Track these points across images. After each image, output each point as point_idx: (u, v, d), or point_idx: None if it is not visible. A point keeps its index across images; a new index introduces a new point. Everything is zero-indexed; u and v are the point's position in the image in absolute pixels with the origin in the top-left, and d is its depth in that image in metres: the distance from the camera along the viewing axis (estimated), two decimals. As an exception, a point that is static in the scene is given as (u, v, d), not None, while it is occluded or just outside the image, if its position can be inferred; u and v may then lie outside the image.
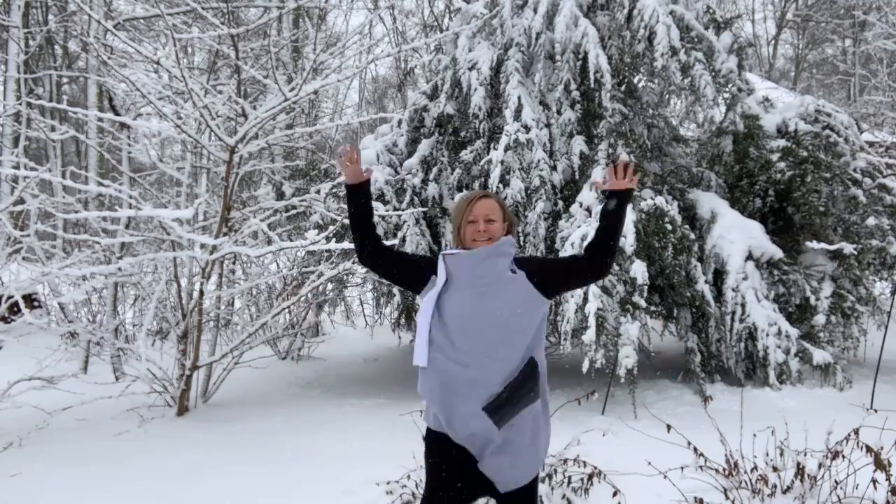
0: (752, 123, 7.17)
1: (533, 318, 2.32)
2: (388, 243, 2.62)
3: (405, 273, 2.49)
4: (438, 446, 2.35)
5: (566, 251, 6.08)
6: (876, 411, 3.80)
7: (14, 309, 8.09)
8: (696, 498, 3.59)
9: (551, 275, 2.39)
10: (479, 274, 2.32)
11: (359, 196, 2.50)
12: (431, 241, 7.20)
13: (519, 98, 6.78)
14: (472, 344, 2.25)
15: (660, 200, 6.48)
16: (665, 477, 3.69)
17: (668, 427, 3.93)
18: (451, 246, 2.47)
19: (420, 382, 2.37)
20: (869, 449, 3.39)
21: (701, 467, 3.72)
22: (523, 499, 2.34)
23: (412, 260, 2.53)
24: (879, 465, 3.33)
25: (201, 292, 6.16)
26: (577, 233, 6.10)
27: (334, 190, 6.90)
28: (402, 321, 9.69)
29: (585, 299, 5.74)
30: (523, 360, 2.28)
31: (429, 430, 2.41)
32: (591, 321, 5.61)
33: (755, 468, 3.74)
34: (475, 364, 2.24)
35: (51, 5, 16.14)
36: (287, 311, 8.18)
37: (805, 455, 3.67)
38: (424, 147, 7.38)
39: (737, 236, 6.71)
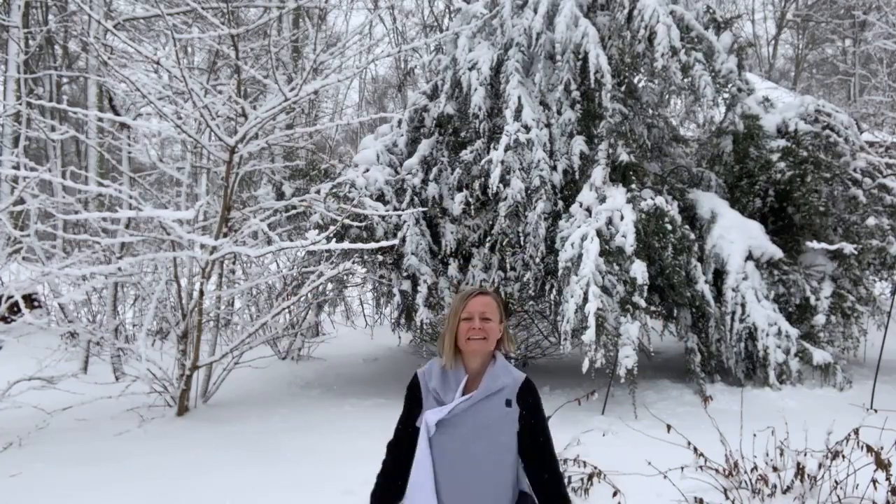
0: (752, 123, 7.17)
1: (512, 455, 2.22)
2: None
3: (412, 440, 2.29)
4: None
5: (566, 251, 6.08)
6: (876, 411, 3.80)
7: (14, 309, 8.09)
8: (696, 498, 3.59)
9: (529, 441, 2.24)
10: (470, 417, 2.20)
11: None
12: (431, 241, 7.20)
13: (519, 98, 6.77)
14: (461, 491, 2.17)
15: (660, 200, 6.48)
16: (665, 477, 3.69)
17: (668, 427, 3.93)
18: (440, 342, 2.30)
19: None
20: (869, 449, 3.39)
21: (701, 467, 3.72)
22: None
23: (407, 429, 2.32)
24: (879, 465, 3.33)
25: (201, 292, 6.16)
26: (577, 233, 6.10)
27: (334, 190, 6.89)
28: (402, 321, 9.68)
29: (585, 299, 5.74)
30: (514, 495, 2.21)
31: None
32: (591, 321, 5.61)
33: (755, 468, 3.74)
34: None
35: (51, 5, 16.15)
36: (287, 311, 8.18)
37: (805, 455, 3.68)
38: (424, 147, 7.37)
39: (737, 236, 6.71)
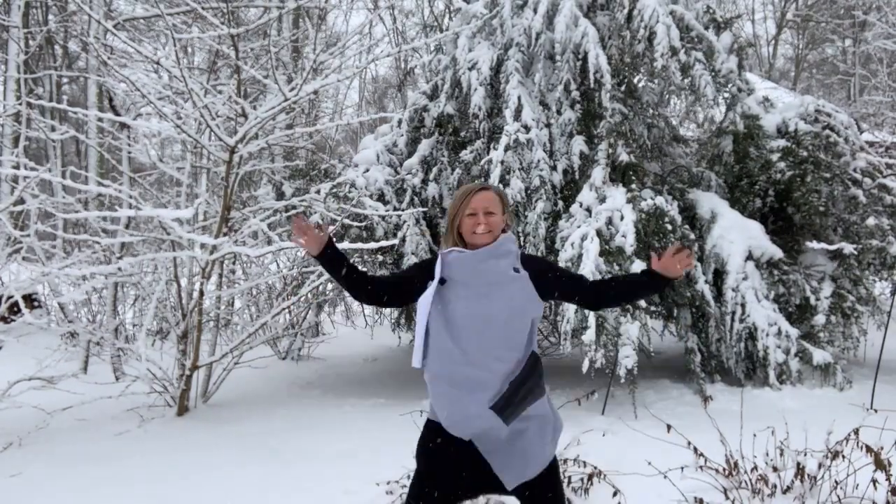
0: (752, 123, 7.17)
1: (530, 317, 2.32)
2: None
3: (406, 291, 2.40)
4: (440, 435, 2.31)
5: (566, 251, 6.08)
6: (876, 411, 3.80)
7: (14, 309, 8.09)
8: (696, 498, 3.59)
9: (554, 283, 2.36)
10: (479, 274, 2.29)
11: (330, 260, 2.33)
12: (431, 241, 7.19)
13: (519, 98, 6.78)
14: (473, 345, 2.24)
15: (660, 200, 6.49)
16: (665, 477, 3.69)
17: (668, 427, 3.93)
18: (445, 244, 2.39)
19: (428, 381, 2.34)
20: (869, 449, 3.39)
21: (701, 467, 3.72)
22: (545, 488, 2.32)
23: (406, 275, 2.43)
24: (879, 465, 3.33)
25: (201, 292, 6.16)
26: (577, 233, 6.10)
27: (334, 190, 6.89)
28: (402, 321, 9.69)
29: (585, 299, 5.73)
30: (524, 356, 2.29)
31: (429, 420, 2.38)
32: (591, 321, 5.61)
33: (755, 468, 3.74)
34: (478, 364, 2.23)
35: (51, 5, 16.15)
36: (287, 311, 8.18)
37: (805, 455, 3.67)
38: (424, 147, 7.37)
39: (737, 236, 6.71)
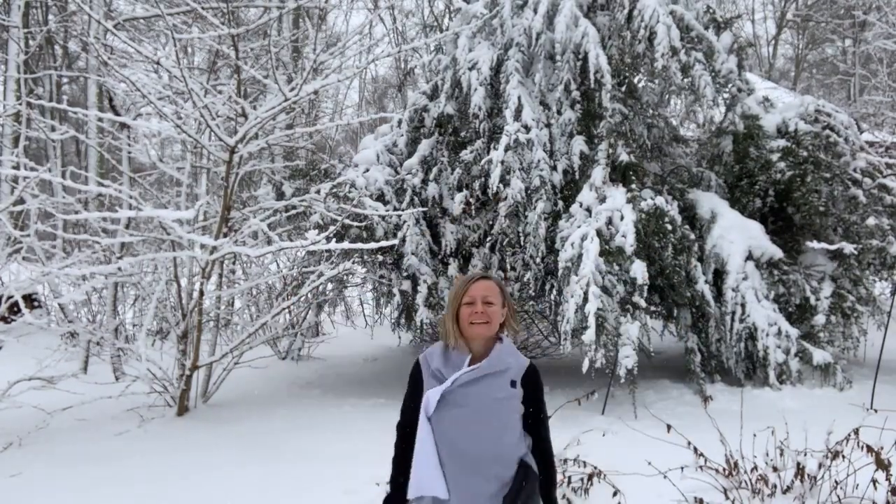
0: (752, 123, 7.17)
1: (520, 433, 2.23)
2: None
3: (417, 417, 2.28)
4: None
5: (566, 251, 6.08)
6: (876, 411, 3.80)
7: (14, 309, 8.09)
8: (696, 498, 3.59)
9: (526, 417, 2.26)
10: (473, 394, 2.17)
11: None
12: (431, 241, 7.19)
13: (519, 98, 6.77)
14: (463, 469, 2.15)
15: (660, 200, 6.48)
16: (665, 477, 3.69)
17: (668, 427, 3.93)
18: (444, 330, 2.27)
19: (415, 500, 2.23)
20: (869, 449, 3.39)
21: (701, 467, 3.72)
22: None
23: (413, 408, 2.28)
24: (879, 465, 3.33)
25: (201, 292, 6.16)
26: (577, 233, 6.10)
27: (334, 190, 6.89)
28: (402, 321, 9.68)
29: (585, 299, 5.74)
30: (516, 468, 2.19)
31: None
32: (591, 321, 5.61)
33: (755, 468, 3.74)
34: (471, 484, 2.15)
35: (51, 5, 16.15)
36: (287, 311, 8.18)
37: (805, 455, 3.68)
38: (424, 147, 7.37)
39: (737, 236, 6.71)
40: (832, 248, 6.68)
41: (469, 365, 2.20)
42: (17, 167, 5.98)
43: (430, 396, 2.18)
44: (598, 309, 5.67)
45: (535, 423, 2.27)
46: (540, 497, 2.25)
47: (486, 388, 2.18)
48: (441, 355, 2.25)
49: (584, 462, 3.94)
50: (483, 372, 2.18)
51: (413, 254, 6.86)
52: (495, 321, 2.23)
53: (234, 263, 9.16)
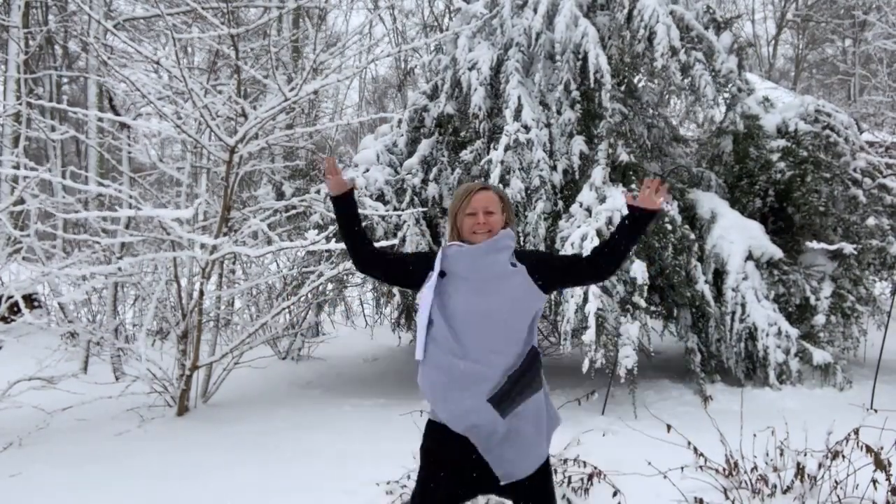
0: (752, 123, 7.17)
1: (530, 311, 2.34)
2: (382, 244, 2.63)
3: (401, 273, 2.49)
4: (439, 435, 2.33)
5: (566, 251, 6.08)
6: (876, 411, 3.80)
7: (14, 309, 8.09)
8: (696, 498, 3.59)
9: (552, 271, 2.39)
10: (479, 269, 2.31)
11: (345, 206, 2.51)
12: (431, 241, 7.19)
13: (519, 98, 6.78)
14: (473, 339, 2.26)
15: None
16: (665, 477, 3.69)
17: (668, 427, 3.93)
18: (447, 239, 2.44)
19: (420, 377, 2.37)
20: (869, 449, 3.38)
21: (701, 467, 3.72)
22: (537, 489, 2.33)
23: (406, 259, 2.53)
24: (879, 465, 3.33)
25: (201, 292, 6.16)
26: (577, 233, 6.10)
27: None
28: (402, 321, 9.68)
29: (585, 299, 5.74)
30: (524, 350, 2.31)
31: (430, 421, 2.39)
32: (591, 321, 5.61)
33: (755, 468, 3.74)
34: (477, 358, 2.25)
35: (51, 5, 16.14)
36: (287, 311, 8.18)
37: (805, 455, 3.67)
38: (424, 147, 7.37)
39: (737, 236, 6.71)
40: (832, 248, 6.68)
41: None
42: (17, 167, 5.98)
43: (436, 266, 2.35)
44: (598, 309, 5.67)
45: (561, 262, 2.49)
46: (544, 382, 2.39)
47: (489, 263, 2.33)
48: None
49: (584, 462, 3.94)
50: (484, 248, 2.33)
51: (409, 253, 6.85)
52: (497, 229, 2.38)
53: (234, 263, 9.16)
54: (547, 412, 2.39)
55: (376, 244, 2.64)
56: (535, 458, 2.32)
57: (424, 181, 7.20)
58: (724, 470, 3.73)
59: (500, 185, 6.45)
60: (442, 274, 2.34)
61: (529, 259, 2.39)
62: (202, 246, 6.10)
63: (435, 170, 7.24)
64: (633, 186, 6.60)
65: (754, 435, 3.86)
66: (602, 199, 6.38)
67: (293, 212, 6.98)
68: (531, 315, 2.34)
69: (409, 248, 6.85)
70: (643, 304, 5.97)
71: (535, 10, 7.16)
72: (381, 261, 2.50)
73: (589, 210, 6.39)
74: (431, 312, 2.30)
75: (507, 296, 2.29)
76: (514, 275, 2.33)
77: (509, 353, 2.27)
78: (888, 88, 14.76)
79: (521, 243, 6.66)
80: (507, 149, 6.52)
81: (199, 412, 6.36)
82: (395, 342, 10.27)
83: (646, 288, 5.97)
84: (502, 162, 6.48)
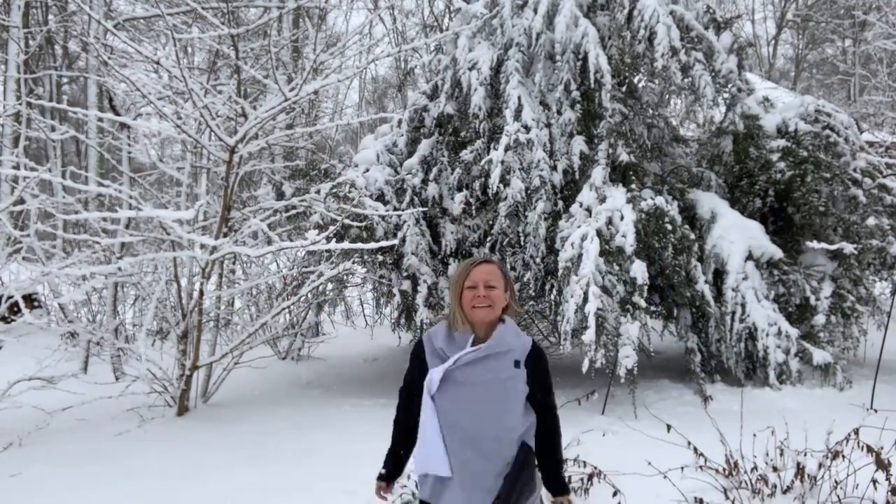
0: (752, 123, 7.17)
1: (522, 413, 2.26)
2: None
3: (418, 391, 2.33)
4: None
5: (566, 251, 6.08)
6: (876, 411, 3.80)
7: (14, 309, 8.09)
8: (696, 498, 3.59)
9: (533, 398, 2.29)
10: (476, 373, 2.21)
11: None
12: (431, 241, 7.19)
13: (519, 98, 6.77)
14: (464, 448, 2.19)
15: (660, 200, 6.48)
16: (665, 477, 3.70)
17: (668, 427, 3.93)
18: (448, 309, 2.32)
19: (420, 485, 2.28)
20: (869, 449, 3.39)
21: (701, 467, 3.72)
22: None
23: (412, 382, 2.38)
24: (879, 465, 3.33)
25: (201, 292, 6.16)
26: (577, 233, 6.10)
27: (334, 190, 6.89)
28: (402, 321, 9.67)
29: (585, 299, 5.74)
30: (518, 448, 2.23)
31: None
32: (591, 321, 5.61)
33: (755, 468, 3.74)
34: (473, 463, 2.18)
35: (51, 5, 16.14)
36: (287, 311, 8.18)
37: (805, 455, 3.68)
38: (424, 147, 7.37)
39: (737, 236, 6.71)
40: (832, 248, 6.68)
41: (472, 346, 2.23)
42: (17, 167, 5.98)
43: (434, 375, 2.22)
44: (598, 309, 5.67)
45: (542, 401, 2.31)
46: (540, 477, 2.29)
47: (488, 368, 2.22)
48: (445, 335, 2.29)
49: (584, 462, 3.94)
50: (486, 352, 2.22)
51: (413, 254, 6.86)
52: (498, 305, 2.27)
53: (234, 263, 9.16)
54: None
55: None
56: None
57: (424, 181, 7.20)
58: (724, 470, 3.73)
59: (501, 186, 6.44)
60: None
61: (535, 373, 2.28)
62: (202, 246, 6.10)
63: (435, 170, 7.24)
64: (633, 186, 6.61)
65: (754, 435, 3.86)
66: (602, 199, 6.38)
67: (293, 212, 6.98)
68: (522, 416, 2.25)
69: (408, 247, 6.84)
70: (643, 304, 5.97)
71: (536, 10, 7.16)
72: (413, 405, 2.34)
73: (589, 210, 6.39)
74: (427, 421, 2.23)
75: (501, 403, 2.21)
76: (511, 380, 2.23)
77: (505, 456, 2.20)
78: (888, 88, 14.76)
79: (522, 244, 6.66)
80: (507, 149, 6.52)
81: (199, 412, 6.36)
82: (395, 342, 10.27)
83: (646, 288, 5.97)
84: (502, 162, 6.48)
